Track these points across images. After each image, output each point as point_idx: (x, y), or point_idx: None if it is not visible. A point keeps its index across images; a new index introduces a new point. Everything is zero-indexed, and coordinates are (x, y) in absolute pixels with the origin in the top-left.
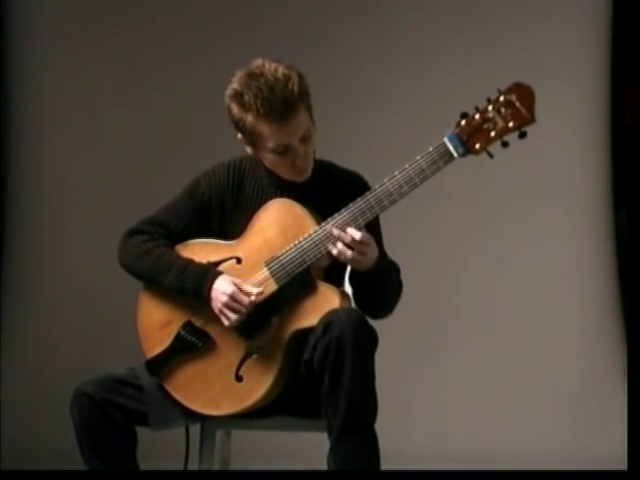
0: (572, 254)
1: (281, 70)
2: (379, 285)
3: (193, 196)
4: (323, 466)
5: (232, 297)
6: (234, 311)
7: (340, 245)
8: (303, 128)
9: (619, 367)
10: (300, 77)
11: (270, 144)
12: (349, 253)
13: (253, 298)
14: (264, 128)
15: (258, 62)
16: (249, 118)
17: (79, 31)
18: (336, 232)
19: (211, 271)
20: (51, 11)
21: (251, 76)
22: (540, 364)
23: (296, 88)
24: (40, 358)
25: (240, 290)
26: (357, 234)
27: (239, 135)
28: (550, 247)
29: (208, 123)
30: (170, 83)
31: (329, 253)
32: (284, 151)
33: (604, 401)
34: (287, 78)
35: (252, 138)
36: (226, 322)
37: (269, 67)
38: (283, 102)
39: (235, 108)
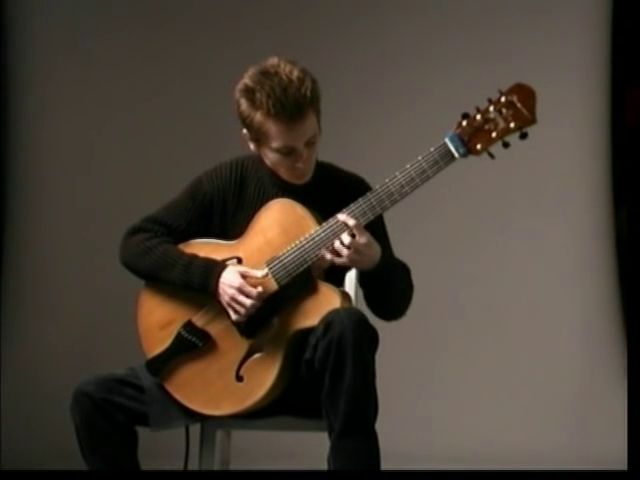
0: (572, 254)
1: (296, 73)
2: (387, 285)
3: (195, 195)
4: (323, 466)
5: (239, 289)
6: (242, 304)
7: (337, 243)
8: (310, 133)
9: (619, 367)
10: (314, 82)
11: (275, 144)
12: (345, 251)
13: (261, 289)
14: (272, 128)
15: (273, 61)
16: (257, 116)
17: (79, 31)
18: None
19: (217, 265)
20: (51, 11)
21: (265, 74)
22: (540, 364)
23: (309, 92)
24: (40, 358)
25: (246, 277)
26: (346, 238)
27: (244, 130)
28: (550, 247)
29: (210, 123)
30: (171, 83)
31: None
32: (288, 153)
33: (604, 401)
34: (301, 81)
35: (257, 136)
36: (234, 316)
37: (284, 68)
38: (295, 104)
39: (245, 104)
